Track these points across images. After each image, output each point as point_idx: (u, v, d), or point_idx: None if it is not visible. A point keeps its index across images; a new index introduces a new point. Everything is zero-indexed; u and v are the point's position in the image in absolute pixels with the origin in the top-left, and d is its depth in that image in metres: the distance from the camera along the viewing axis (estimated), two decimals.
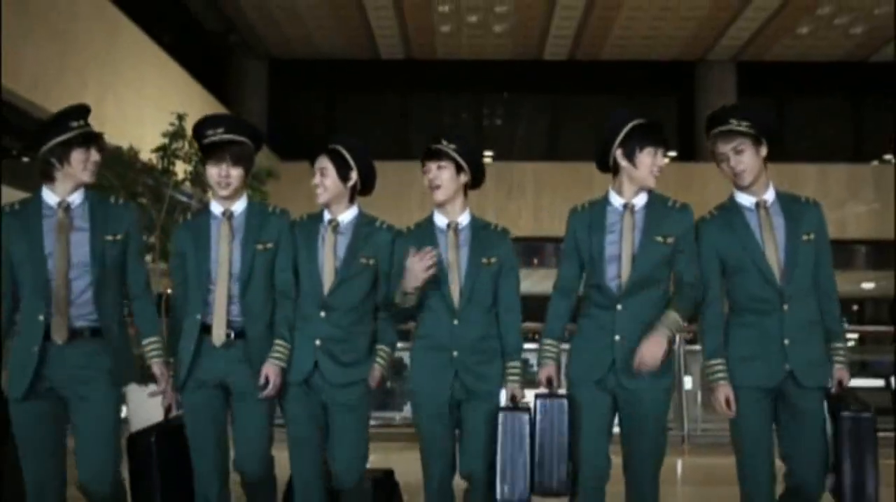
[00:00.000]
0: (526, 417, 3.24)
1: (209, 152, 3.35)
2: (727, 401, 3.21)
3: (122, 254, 3.25)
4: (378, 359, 3.40)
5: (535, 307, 4.44)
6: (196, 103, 11.92)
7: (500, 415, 3.25)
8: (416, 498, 3.85)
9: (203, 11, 15.02)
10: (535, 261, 15.29)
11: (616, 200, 3.33)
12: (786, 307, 3.19)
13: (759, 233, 3.26)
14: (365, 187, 3.47)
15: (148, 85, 10.99)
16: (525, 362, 3.58)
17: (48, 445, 3.16)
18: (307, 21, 15.11)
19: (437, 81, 17.15)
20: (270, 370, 3.24)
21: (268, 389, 3.24)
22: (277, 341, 3.30)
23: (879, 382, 9.55)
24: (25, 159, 9.16)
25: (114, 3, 10.09)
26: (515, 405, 3.31)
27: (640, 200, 3.31)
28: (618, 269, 3.25)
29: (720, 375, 3.24)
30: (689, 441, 7.23)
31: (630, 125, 3.30)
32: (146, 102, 10.68)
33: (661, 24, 15.09)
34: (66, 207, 3.20)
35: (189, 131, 4.53)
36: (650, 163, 3.28)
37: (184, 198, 7.61)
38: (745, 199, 3.31)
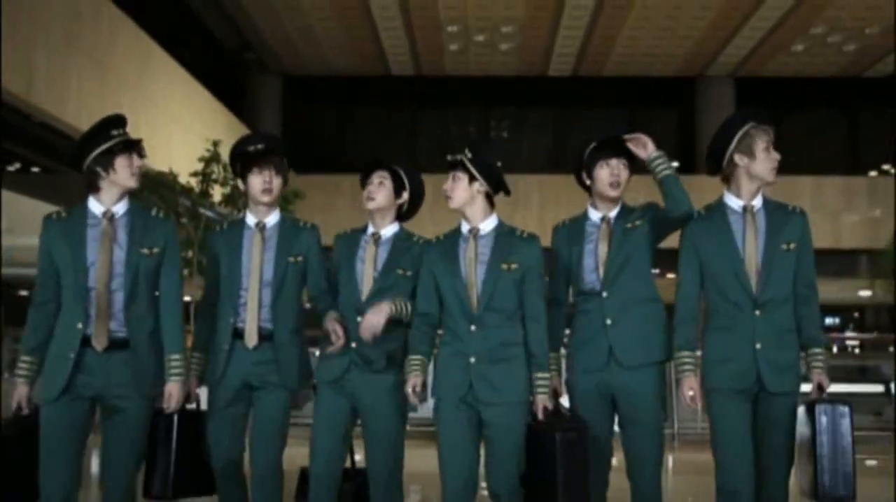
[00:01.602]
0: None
1: (252, 164, 3.46)
2: (692, 395, 3.25)
3: (156, 268, 3.27)
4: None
5: None
6: (219, 121, 12.28)
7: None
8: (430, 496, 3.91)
9: (221, 30, 15.34)
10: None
11: (594, 215, 3.47)
12: (758, 313, 3.20)
13: (740, 237, 3.27)
14: (409, 212, 3.62)
15: (175, 105, 11.33)
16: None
17: (70, 449, 3.15)
18: (321, 40, 15.43)
19: (446, 97, 17.43)
20: (336, 326, 3.36)
21: (339, 341, 3.34)
22: (331, 312, 3.45)
23: (879, 387, 9.81)
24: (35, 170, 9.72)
25: (144, 28, 10.46)
26: (539, 418, 3.24)
27: (614, 213, 3.45)
28: (597, 276, 3.37)
29: (686, 368, 3.29)
30: (678, 438, 7.79)
31: (589, 147, 3.45)
32: (174, 122, 11.06)
33: (661, 42, 15.41)
34: (110, 217, 3.23)
35: (223, 156, 4.56)
36: (605, 175, 3.40)
37: (216, 217, 8.12)
38: (733, 202, 3.33)
